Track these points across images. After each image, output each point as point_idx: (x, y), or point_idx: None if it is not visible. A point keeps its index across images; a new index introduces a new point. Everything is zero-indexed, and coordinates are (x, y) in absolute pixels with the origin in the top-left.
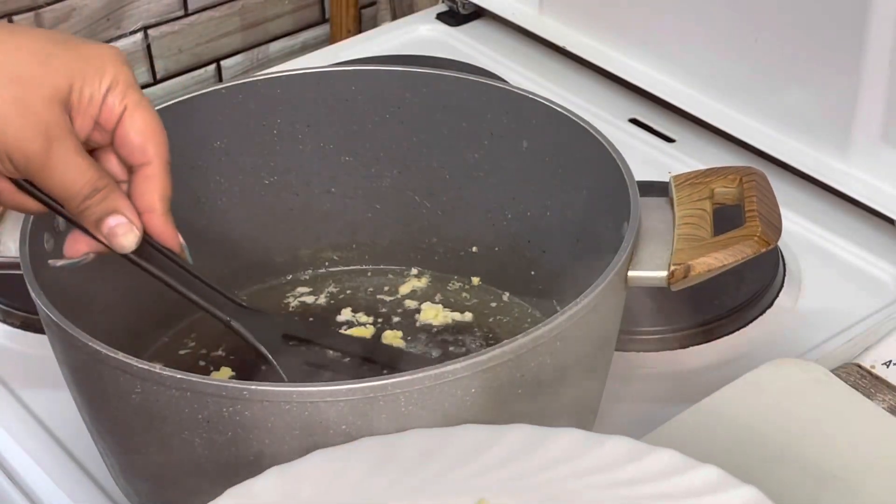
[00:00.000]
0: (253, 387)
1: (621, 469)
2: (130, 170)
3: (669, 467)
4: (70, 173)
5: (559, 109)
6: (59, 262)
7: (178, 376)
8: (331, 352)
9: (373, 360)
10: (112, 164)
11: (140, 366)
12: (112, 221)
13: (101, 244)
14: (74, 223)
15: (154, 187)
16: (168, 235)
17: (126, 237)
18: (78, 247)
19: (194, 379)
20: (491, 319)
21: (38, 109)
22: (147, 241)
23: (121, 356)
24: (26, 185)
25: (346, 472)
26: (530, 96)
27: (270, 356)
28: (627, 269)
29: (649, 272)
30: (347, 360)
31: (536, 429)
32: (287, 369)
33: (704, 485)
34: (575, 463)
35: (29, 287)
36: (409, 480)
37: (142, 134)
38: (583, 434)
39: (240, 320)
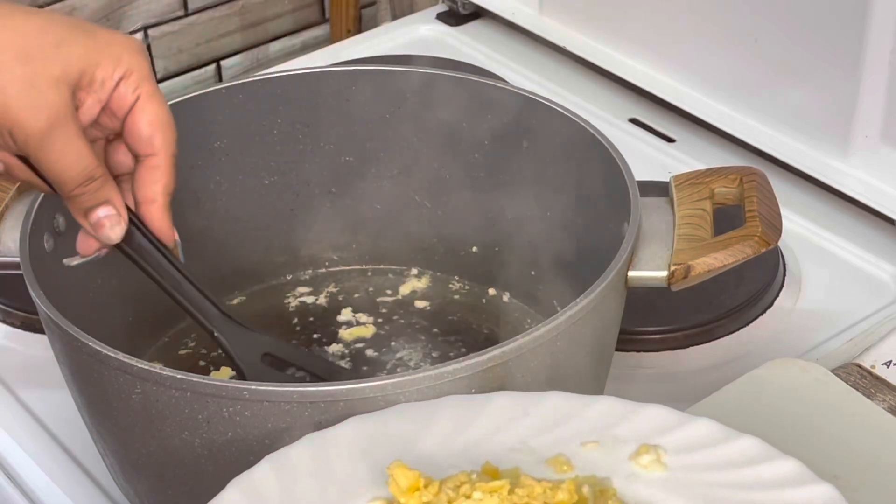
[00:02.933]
0: (253, 387)
1: (706, 452)
2: (137, 160)
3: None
4: (68, 156)
5: (559, 109)
6: (74, 261)
7: (179, 376)
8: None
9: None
10: (120, 154)
11: (140, 366)
12: (101, 212)
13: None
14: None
15: (157, 178)
16: (165, 229)
17: (113, 229)
18: (91, 243)
19: (194, 379)
20: (492, 321)
21: (45, 88)
22: (144, 235)
23: (121, 356)
24: (27, 161)
25: (433, 426)
26: (530, 96)
27: (247, 376)
28: (628, 270)
29: (649, 272)
30: None
31: (623, 402)
32: None
33: (743, 455)
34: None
35: (29, 287)
36: (486, 443)
37: (151, 125)
38: (666, 410)
39: (224, 332)
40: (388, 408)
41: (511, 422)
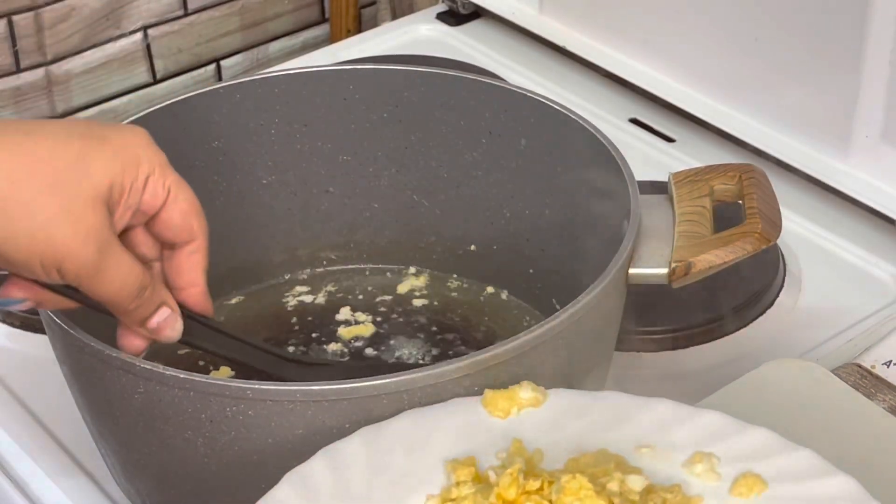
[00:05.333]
0: (256, 386)
1: (765, 461)
2: (168, 246)
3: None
4: (121, 277)
5: (558, 108)
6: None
7: (182, 376)
8: None
9: None
10: (142, 243)
11: (143, 366)
12: (159, 317)
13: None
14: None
15: (198, 262)
16: (209, 308)
17: (173, 329)
18: (138, 342)
19: (197, 378)
20: (490, 319)
21: (84, 214)
22: (191, 317)
23: (124, 356)
24: (69, 291)
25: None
26: (529, 95)
27: None
28: (629, 267)
29: (650, 269)
30: None
31: (680, 406)
32: None
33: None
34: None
35: None
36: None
37: (186, 214)
38: (728, 419)
39: (299, 375)
40: (440, 402)
41: (565, 420)
